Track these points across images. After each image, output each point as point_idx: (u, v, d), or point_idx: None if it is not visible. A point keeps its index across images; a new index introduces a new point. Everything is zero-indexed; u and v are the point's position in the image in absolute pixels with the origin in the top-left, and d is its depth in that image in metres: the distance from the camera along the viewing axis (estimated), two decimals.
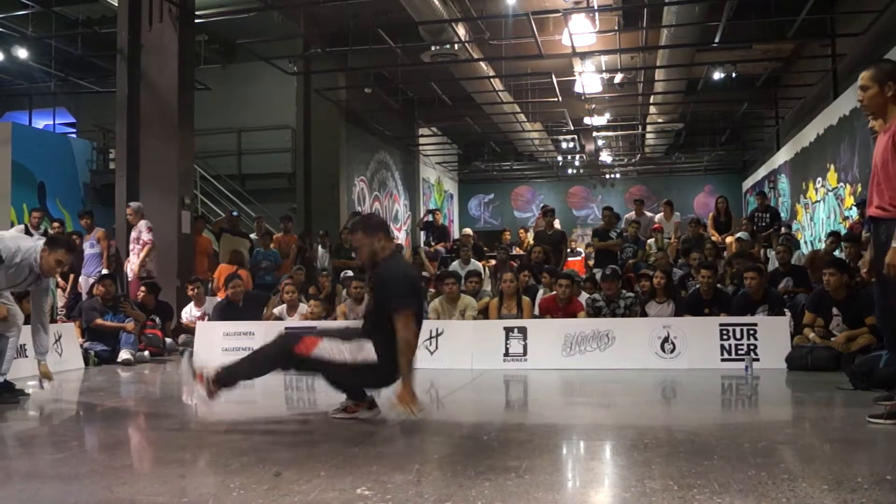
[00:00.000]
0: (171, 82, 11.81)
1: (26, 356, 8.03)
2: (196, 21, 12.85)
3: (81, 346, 9.19)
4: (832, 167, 16.01)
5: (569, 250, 14.39)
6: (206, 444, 4.58)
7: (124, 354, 9.17)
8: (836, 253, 10.83)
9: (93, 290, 10.20)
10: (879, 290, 4.90)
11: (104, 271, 11.10)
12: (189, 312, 10.67)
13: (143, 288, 10.39)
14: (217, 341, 9.33)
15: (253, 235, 14.10)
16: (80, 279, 11.68)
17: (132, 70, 11.88)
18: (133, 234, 11.01)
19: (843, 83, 15.25)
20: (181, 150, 11.84)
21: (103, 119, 17.03)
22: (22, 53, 16.37)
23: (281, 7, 14.44)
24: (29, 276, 6.11)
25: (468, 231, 17.18)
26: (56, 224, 12.90)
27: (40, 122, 20.39)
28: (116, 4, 12.41)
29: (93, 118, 18.78)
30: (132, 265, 10.97)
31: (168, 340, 10.31)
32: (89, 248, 11.66)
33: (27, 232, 11.40)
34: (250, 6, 14.24)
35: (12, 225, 12.33)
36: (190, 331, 10.14)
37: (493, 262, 13.29)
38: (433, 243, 16.39)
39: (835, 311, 7.82)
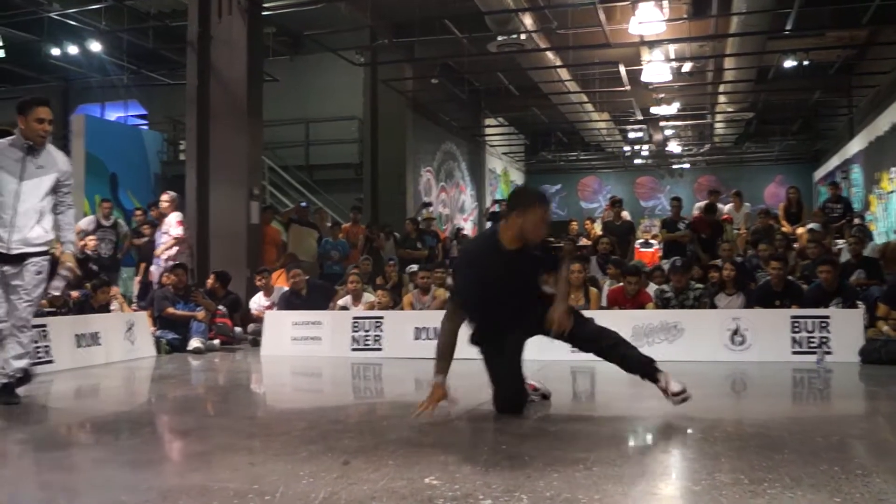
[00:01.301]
0: (240, 74, 11.96)
1: (99, 344, 8.27)
2: (264, 13, 13.02)
3: (153, 334, 9.38)
4: None
5: (641, 241, 14.20)
6: (274, 432, 4.64)
7: (195, 343, 9.36)
8: None
9: (162, 280, 10.43)
10: None
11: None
12: (258, 302, 10.81)
13: (211, 277, 10.59)
14: (286, 331, 9.43)
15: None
16: (151, 268, 11.91)
17: (202, 62, 12.05)
18: (163, 227, 11.00)
19: None
20: (250, 141, 11.98)
21: (174, 111, 17.36)
22: (95, 47, 16.71)
23: None
24: (28, 161, 5.38)
25: None
26: (139, 212, 13.22)
27: (113, 115, 20.83)
28: None
29: (164, 110, 19.17)
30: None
31: (237, 329, 10.47)
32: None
33: (98, 224, 11.72)
34: None
35: (84, 216, 12.63)
36: (259, 320, 10.27)
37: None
38: None
39: None
